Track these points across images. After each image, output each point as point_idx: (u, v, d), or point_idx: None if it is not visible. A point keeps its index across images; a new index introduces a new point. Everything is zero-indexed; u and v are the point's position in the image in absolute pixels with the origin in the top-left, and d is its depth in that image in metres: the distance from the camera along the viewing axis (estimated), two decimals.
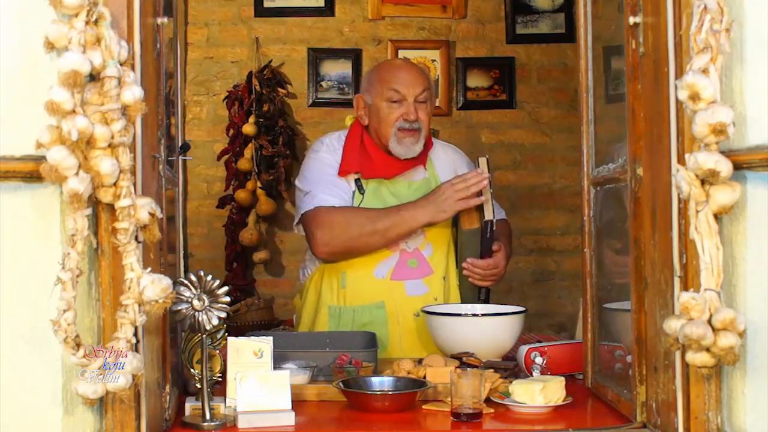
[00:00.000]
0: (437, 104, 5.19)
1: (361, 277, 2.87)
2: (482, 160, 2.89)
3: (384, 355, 2.72)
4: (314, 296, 2.95)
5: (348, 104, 4.73)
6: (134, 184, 1.74)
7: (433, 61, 5.21)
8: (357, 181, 2.90)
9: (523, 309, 2.67)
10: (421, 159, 2.96)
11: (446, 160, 3.06)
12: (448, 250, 2.95)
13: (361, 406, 2.17)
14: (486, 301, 2.93)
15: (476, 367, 2.37)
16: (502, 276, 2.94)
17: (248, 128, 4.93)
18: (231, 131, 5.02)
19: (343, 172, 2.90)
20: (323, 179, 2.91)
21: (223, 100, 5.09)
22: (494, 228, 2.86)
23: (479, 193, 2.79)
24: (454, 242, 2.97)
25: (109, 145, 1.68)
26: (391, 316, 2.85)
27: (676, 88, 1.71)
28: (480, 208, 2.87)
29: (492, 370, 2.32)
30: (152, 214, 1.73)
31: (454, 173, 2.99)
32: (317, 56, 5.19)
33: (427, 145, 2.98)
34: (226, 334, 2.15)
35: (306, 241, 2.97)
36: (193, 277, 2.00)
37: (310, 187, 2.91)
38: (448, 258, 2.94)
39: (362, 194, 2.89)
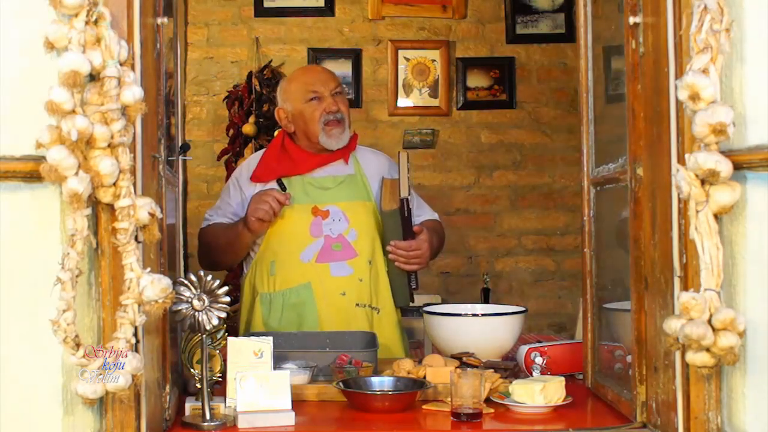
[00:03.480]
0: (437, 104, 5.20)
1: (288, 263, 2.96)
2: (402, 154, 3.03)
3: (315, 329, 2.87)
4: (249, 291, 3.06)
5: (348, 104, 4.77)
6: (134, 184, 1.74)
7: (433, 61, 5.21)
8: (278, 182, 3.01)
9: (523, 309, 2.67)
10: (342, 154, 3.07)
11: (374, 163, 3.17)
12: (373, 236, 3.04)
13: (361, 406, 2.17)
14: (481, 298, 2.99)
15: (476, 367, 2.37)
16: (426, 260, 3.02)
17: (248, 128, 4.93)
18: (231, 131, 5.02)
19: (255, 178, 3.05)
20: (222, 201, 3.13)
21: (223, 100, 5.09)
22: (411, 207, 2.97)
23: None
24: (379, 230, 3.05)
25: (109, 145, 1.68)
26: (318, 296, 2.94)
27: (676, 88, 1.71)
28: (397, 189, 2.97)
29: (492, 370, 2.32)
30: (152, 214, 1.73)
31: (380, 174, 3.11)
32: (317, 56, 5.19)
33: (351, 142, 3.10)
34: (226, 334, 2.15)
35: None
36: (193, 277, 2.00)
37: None
38: (374, 243, 3.03)
39: (284, 191, 2.98)
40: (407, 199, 2.96)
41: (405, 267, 2.98)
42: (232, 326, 3.16)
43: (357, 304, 2.94)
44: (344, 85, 3.19)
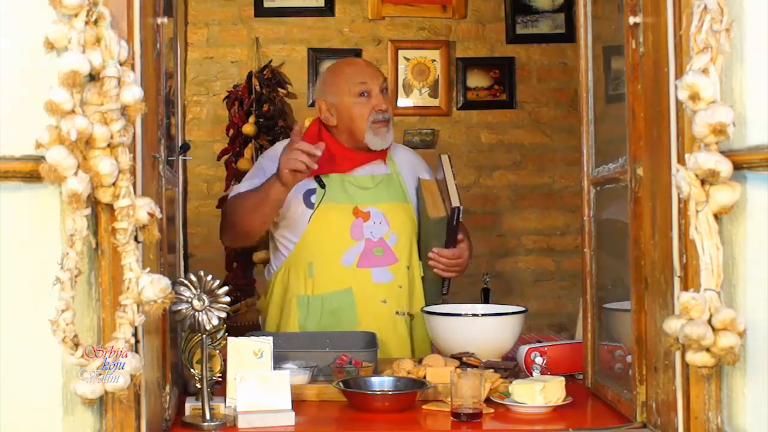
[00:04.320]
0: (437, 104, 5.20)
1: (329, 266, 2.90)
2: (444, 157, 2.97)
3: None
4: (281, 290, 2.98)
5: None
6: (134, 184, 1.74)
7: (433, 61, 5.21)
8: (317, 178, 2.91)
9: (523, 309, 2.67)
10: (382, 153, 3.00)
11: (407, 162, 3.11)
12: (411, 240, 2.99)
13: (361, 406, 2.17)
14: (484, 300, 2.97)
15: (476, 367, 2.37)
16: (465, 268, 2.98)
17: (248, 128, 4.93)
18: (231, 131, 5.02)
19: None
20: (253, 177, 2.98)
21: (223, 100, 5.09)
22: (461, 216, 2.89)
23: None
24: (417, 234, 3.01)
25: (109, 145, 1.68)
26: (359, 302, 2.89)
27: (676, 88, 1.71)
28: (445, 196, 2.91)
29: (492, 370, 2.32)
30: (151, 215, 1.73)
31: (415, 173, 3.06)
32: (317, 56, 5.19)
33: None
34: (226, 334, 2.15)
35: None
36: (193, 277, 2.00)
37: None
38: (412, 248, 2.99)
39: (323, 188, 2.92)
40: (459, 209, 2.86)
41: (443, 274, 2.93)
42: (232, 326, 3.14)
43: (397, 312, 2.90)
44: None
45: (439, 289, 2.97)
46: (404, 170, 3.06)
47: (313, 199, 2.93)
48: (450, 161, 2.95)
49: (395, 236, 2.94)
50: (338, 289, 2.89)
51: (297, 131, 2.79)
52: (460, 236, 2.92)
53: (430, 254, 2.91)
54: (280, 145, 3.03)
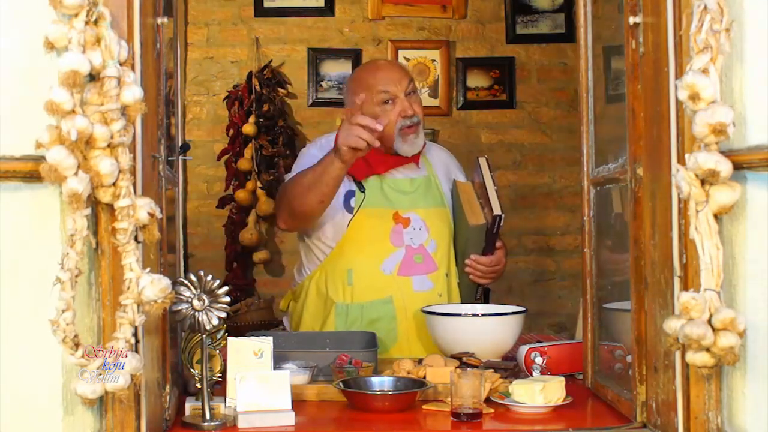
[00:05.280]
0: (437, 104, 5.20)
1: (369, 273, 2.86)
2: (482, 161, 2.92)
3: (393, 351, 2.76)
4: (316, 296, 2.93)
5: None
6: (134, 184, 1.74)
7: (433, 61, 5.21)
8: (356, 181, 2.88)
9: (523, 309, 2.67)
10: (414, 156, 2.96)
11: (441, 162, 3.08)
12: (449, 246, 2.97)
13: (361, 406, 2.17)
14: (483, 301, 2.95)
15: (476, 367, 2.37)
16: (501, 274, 2.96)
17: (248, 128, 4.93)
18: (231, 131, 5.02)
19: None
20: (300, 165, 2.91)
21: (223, 100, 5.09)
22: (502, 223, 2.85)
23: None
24: (453, 239, 2.98)
25: (109, 145, 1.68)
26: (399, 311, 2.85)
27: (676, 88, 1.71)
28: (486, 204, 2.88)
29: (492, 370, 2.32)
30: (151, 214, 1.73)
31: (449, 174, 3.04)
32: (317, 56, 5.19)
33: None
34: (226, 334, 2.15)
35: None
36: (193, 277, 2.00)
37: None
38: (450, 255, 2.96)
39: (363, 192, 2.88)
40: (501, 217, 2.82)
41: (479, 281, 2.91)
42: (232, 326, 3.13)
43: None
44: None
45: (473, 295, 2.94)
46: (439, 171, 3.03)
47: (352, 202, 2.88)
48: (489, 164, 2.91)
49: (434, 243, 2.91)
50: (378, 297, 2.86)
51: (358, 106, 2.69)
52: (498, 243, 2.90)
53: (467, 261, 2.89)
54: (323, 138, 3.01)
